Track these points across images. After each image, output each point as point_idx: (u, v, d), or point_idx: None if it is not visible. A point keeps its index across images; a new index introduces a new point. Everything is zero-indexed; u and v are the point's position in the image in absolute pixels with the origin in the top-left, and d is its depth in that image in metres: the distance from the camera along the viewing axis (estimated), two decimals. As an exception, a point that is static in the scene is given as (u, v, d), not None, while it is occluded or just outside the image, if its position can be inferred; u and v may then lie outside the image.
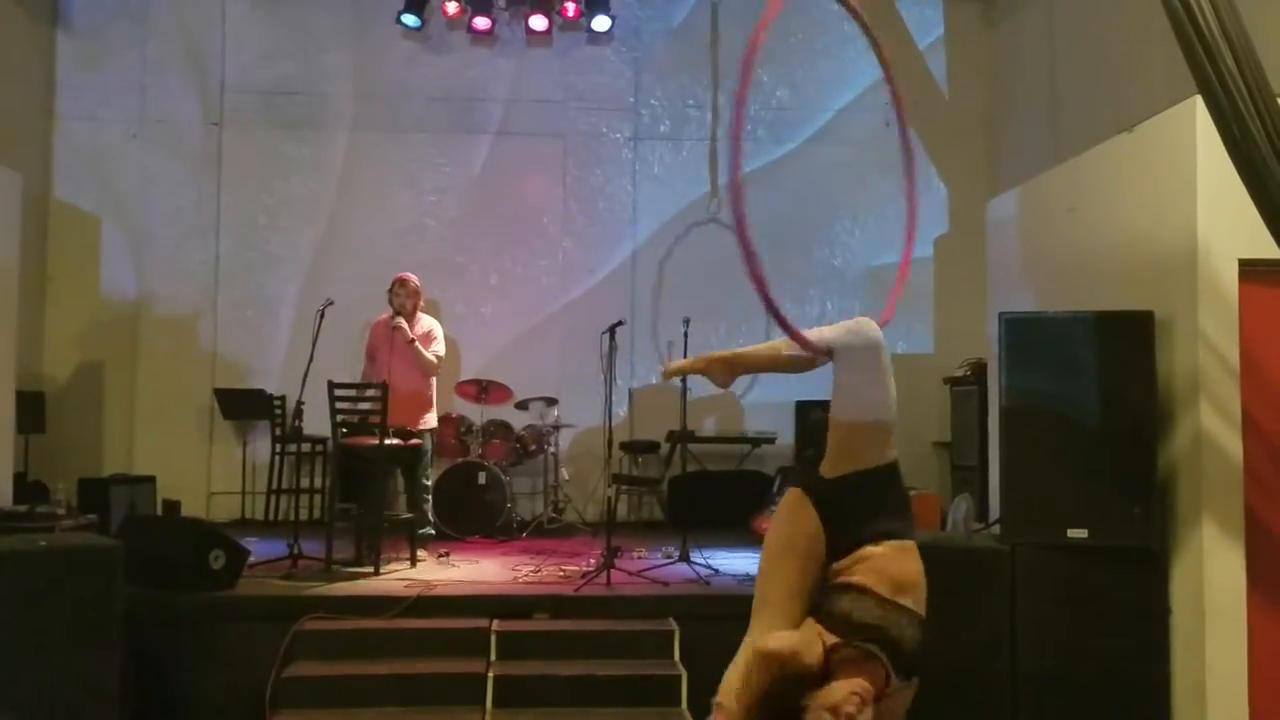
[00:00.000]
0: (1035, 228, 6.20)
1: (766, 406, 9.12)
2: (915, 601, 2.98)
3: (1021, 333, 5.00)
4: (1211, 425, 4.63)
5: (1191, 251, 4.68)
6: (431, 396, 7.19)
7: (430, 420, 7.18)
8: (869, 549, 2.99)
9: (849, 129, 9.62)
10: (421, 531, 6.84)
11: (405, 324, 6.96)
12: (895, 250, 9.45)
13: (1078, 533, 4.78)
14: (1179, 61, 3.80)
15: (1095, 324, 4.87)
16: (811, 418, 8.56)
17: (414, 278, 7.14)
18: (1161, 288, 4.86)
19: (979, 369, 7.81)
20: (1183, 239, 4.74)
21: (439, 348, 7.13)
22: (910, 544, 3.04)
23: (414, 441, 6.76)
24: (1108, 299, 5.04)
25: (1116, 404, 4.80)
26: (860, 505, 3.04)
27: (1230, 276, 4.63)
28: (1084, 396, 4.83)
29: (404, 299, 7.03)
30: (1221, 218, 4.59)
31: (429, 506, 7.18)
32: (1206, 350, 4.64)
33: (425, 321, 7.17)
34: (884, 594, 2.93)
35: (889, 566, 2.97)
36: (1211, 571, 4.58)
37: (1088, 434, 4.81)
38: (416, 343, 6.95)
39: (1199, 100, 4.07)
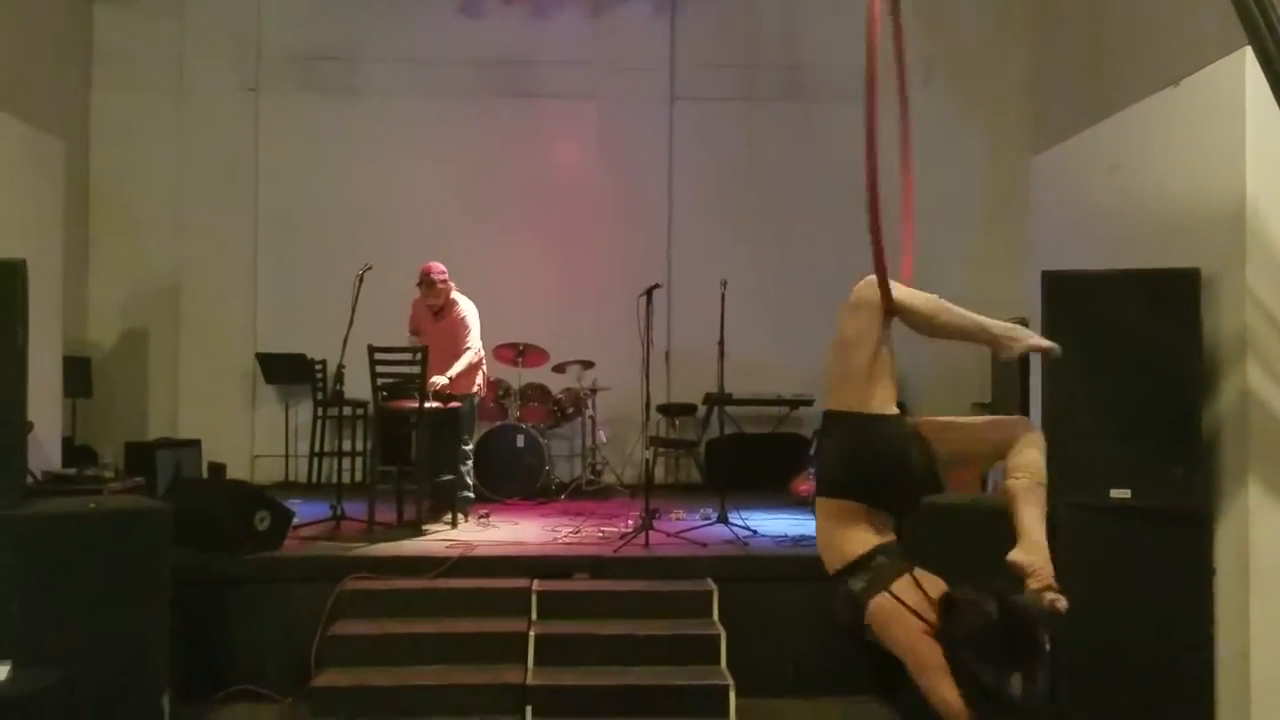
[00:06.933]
0: (1079, 185, 6.10)
1: (804, 369, 9.09)
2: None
3: (1065, 291, 4.93)
4: (1258, 384, 4.55)
5: (1239, 207, 4.59)
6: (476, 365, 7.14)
7: (473, 385, 7.12)
8: None
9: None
10: (461, 495, 6.87)
11: (439, 381, 6.71)
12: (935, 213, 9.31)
13: (1121, 493, 4.74)
14: (1228, 12, 3.71)
15: (1140, 282, 4.80)
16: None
17: (438, 270, 6.96)
18: (1208, 244, 4.78)
19: (1020, 329, 7.72)
20: (1230, 195, 4.65)
21: (474, 340, 7.01)
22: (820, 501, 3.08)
23: (453, 404, 6.79)
24: (1153, 256, 4.95)
25: (1161, 363, 4.73)
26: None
27: (1279, 232, 4.54)
28: (1128, 355, 4.76)
29: (433, 299, 6.95)
30: (1270, 173, 4.48)
31: (469, 470, 7.17)
32: (1254, 307, 4.55)
33: (460, 306, 7.04)
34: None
35: None
36: (1257, 532, 4.52)
37: (1131, 393, 4.75)
38: (452, 375, 6.80)
39: (1248, 52, 3.98)
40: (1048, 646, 2.57)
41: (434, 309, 6.97)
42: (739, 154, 9.46)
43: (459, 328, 6.96)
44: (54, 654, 4.42)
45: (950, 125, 9.36)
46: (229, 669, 5.28)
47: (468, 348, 6.94)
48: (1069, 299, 4.92)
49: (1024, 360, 7.49)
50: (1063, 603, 2.60)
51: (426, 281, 6.93)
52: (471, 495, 7.17)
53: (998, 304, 8.19)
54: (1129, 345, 4.77)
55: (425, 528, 6.38)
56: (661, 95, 9.57)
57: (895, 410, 2.97)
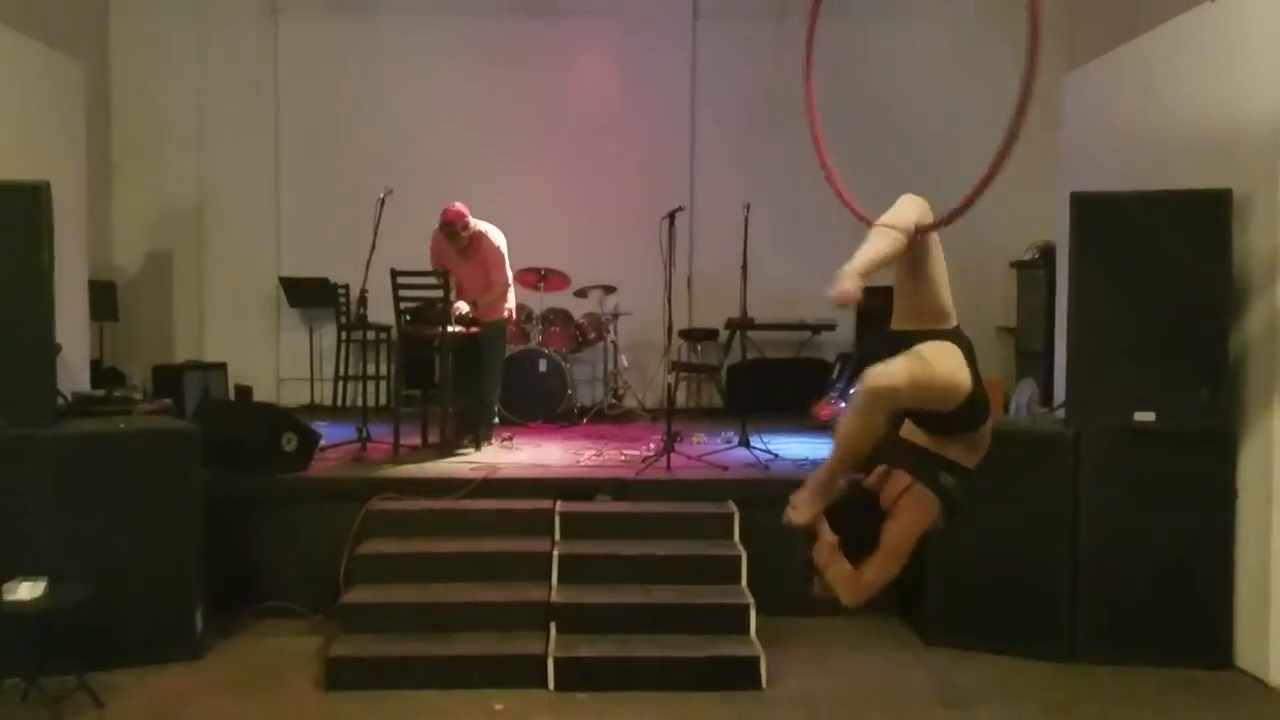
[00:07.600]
0: (1110, 104, 5.99)
1: (827, 293, 9.01)
2: None
3: (1094, 213, 4.88)
4: (1288, 307, 4.51)
5: (1274, 127, 4.50)
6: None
7: (502, 311, 7.06)
8: None
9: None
10: (487, 419, 6.87)
11: (463, 307, 6.71)
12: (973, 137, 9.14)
13: (1145, 415, 4.73)
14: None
15: (1171, 203, 4.74)
16: (870, 307, 8.45)
17: (460, 217, 6.74)
18: (1241, 165, 4.70)
19: (1047, 252, 7.64)
20: (1265, 115, 4.56)
21: (503, 275, 6.91)
22: None
23: (474, 330, 6.77)
24: (1184, 177, 4.88)
25: (1190, 285, 4.69)
26: None
27: (1314, 152, 4.46)
28: (1156, 277, 4.72)
29: (458, 244, 6.77)
30: (1308, 91, 4.40)
31: (497, 395, 7.14)
32: (1286, 229, 4.50)
33: (488, 238, 6.87)
34: None
35: None
36: (1281, 455, 4.52)
37: (1159, 316, 4.72)
38: (480, 305, 6.80)
39: (1290, -36, 3.87)
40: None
41: (459, 249, 6.88)
42: (763, 72, 9.25)
43: (491, 258, 6.83)
44: (87, 570, 4.53)
45: (979, 41, 9.16)
46: (259, 587, 5.39)
47: (502, 281, 6.87)
48: (1098, 220, 4.86)
49: (1050, 283, 7.44)
50: (785, 517, 2.99)
51: (449, 230, 6.75)
52: (496, 420, 7.19)
53: (1026, 224, 8.20)
54: (1158, 267, 4.73)
55: (450, 451, 6.43)
56: (685, 12, 9.39)
57: (919, 326, 3.07)
